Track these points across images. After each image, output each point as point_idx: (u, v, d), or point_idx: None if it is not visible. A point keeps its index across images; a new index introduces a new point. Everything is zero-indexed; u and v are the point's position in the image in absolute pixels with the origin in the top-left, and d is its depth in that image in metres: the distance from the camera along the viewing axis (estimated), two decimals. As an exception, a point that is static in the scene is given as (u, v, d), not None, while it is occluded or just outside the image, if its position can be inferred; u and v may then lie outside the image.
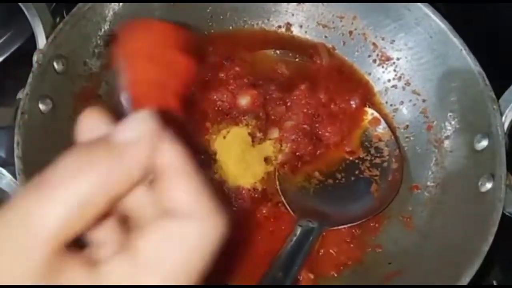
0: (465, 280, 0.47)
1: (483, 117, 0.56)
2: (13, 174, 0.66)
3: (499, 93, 0.56)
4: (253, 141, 0.62)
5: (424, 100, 0.65)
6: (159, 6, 0.65)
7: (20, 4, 0.55)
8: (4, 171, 0.67)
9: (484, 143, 0.55)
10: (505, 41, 0.65)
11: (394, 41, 0.66)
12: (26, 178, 0.49)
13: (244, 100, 0.65)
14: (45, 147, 0.53)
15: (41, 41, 0.56)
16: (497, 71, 0.57)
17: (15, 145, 0.50)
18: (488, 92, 0.56)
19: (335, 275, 0.57)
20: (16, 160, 0.49)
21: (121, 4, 0.61)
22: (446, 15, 0.62)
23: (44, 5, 0.57)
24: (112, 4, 0.60)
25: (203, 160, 0.61)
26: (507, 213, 0.51)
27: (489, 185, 0.53)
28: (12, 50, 0.70)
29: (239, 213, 0.59)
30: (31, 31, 0.58)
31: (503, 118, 0.55)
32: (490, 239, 0.49)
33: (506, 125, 0.55)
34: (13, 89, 0.69)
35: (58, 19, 0.59)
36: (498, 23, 0.66)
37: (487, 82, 0.56)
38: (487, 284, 0.64)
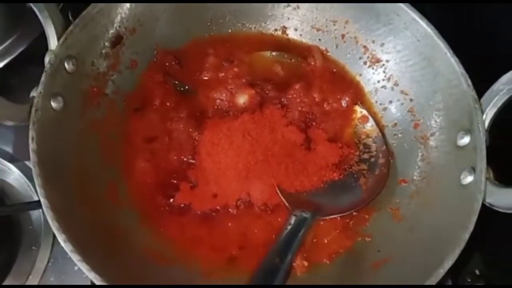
0: (448, 265, 0.50)
1: (466, 115, 0.59)
2: (21, 169, 0.69)
3: (480, 93, 0.58)
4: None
5: (411, 100, 0.67)
6: (163, 10, 0.68)
7: (33, 7, 0.57)
8: (12, 166, 0.69)
9: (466, 139, 0.58)
10: (487, 45, 0.67)
11: (383, 44, 0.69)
12: (40, 170, 0.51)
13: (242, 99, 0.67)
14: (56, 141, 0.55)
15: (53, 42, 0.58)
16: (479, 73, 0.59)
17: (30, 140, 0.52)
18: (471, 92, 0.58)
19: (328, 262, 0.60)
20: (31, 153, 0.51)
21: (126, 8, 0.64)
22: (433, 20, 0.64)
23: (55, 7, 0.59)
24: (119, 8, 0.63)
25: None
26: (487, 204, 0.54)
27: (470, 178, 0.56)
28: (20, 50, 0.71)
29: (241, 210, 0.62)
30: (39, 31, 0.60)
31: (484, 116, 0.57)
32: (471, 227, 0.52)
33: (486, 123, 0.57)
34: (21, 87, 0.71)
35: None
36: (482, 28, 0.69)
37: (470, 83, 0.59)
38: (469, 271, 0.67)
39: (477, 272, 0.67)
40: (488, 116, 0.58)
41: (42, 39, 0.60)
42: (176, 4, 0.68)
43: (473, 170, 0.56)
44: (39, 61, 0.58)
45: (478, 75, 0.60)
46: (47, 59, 0.57)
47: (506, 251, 0.65)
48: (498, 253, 0.66)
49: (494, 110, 0.57)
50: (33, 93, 0.56)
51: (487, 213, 0.54)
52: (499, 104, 0.57)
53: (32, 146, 0.52)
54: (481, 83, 0.59)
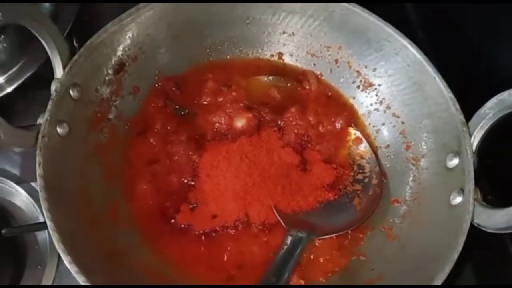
0: (438, 283, 0.52)
1: (454, 138, 0.61)
2: (28, 191, 0.71)
3: (468, 117, 0.60)
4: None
5: (403, 122, 0.69)
6: (163, 38, 0.70)
7: (39, 37, 0.60)
8: (19, 188, 0.71)
9: (455, 161, 0.60)
10: (474, 70, 0.69)
11: (375, 69, 0.71)
12: (47, 194, 0.53)
13: (240, 122, 0.69)
14: (62, 166, 0.58)
15: (58, 70, 0.61)
16: (467, 97, 0.61)
17: (37, 165, 0.54)
18: (459, 116, 0.60)
19: (324, 281, 0.61)
20: (38, 178, 0.53)
21: (128, 37, 0.66)
22: (426, 46, 0.66)
23: (61, 37, 0.62)
24: (121, 37, 0.66)
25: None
26: (475, 224, 0.56)
27: (459, 199, 0.57)
28: (28, 75, 0.74)
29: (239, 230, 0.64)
30: (46, 57, 0.62)
31: (472, 139, 0.59)
32: (459, 247, 0.53)
33: (474, 145, 0.59)
34: (28, 110, 0.73)
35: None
36: (471, 56, 0.70)
37: (458, 106, 0.61)
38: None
39: (469, 288, 0.68)
40: (475, 139, 0.60)
41: (48, 64, 0.62)
42: (175, 32, 0.71)
43: (461, 191, 0.57)
44: (45, 85, 0.60)
45: (466, 99, 0.62)
46: (53, 87, 0.59)
47: (497, 268, 0.66)
48: (490, 270, 0.68)
49: (482, 133, 0.59)
50: (40, 120, 0.58)
51: (479, 230, 0.55)
52: (486, 127, 0.59)
53: (39, 171, 0.54)
54: (469, 106, 0.61)
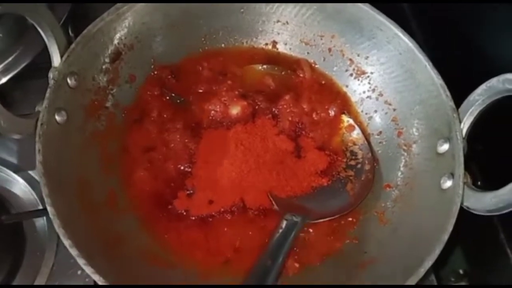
0: (428, 264, 0.53)
1: (445, 124, 0.62)
2: (26, 179, 0.71)
3: (458, 103, 0.61)
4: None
5: (394, 109, 0.70)
6: (159, 27, 0.71)
7: (37, 26, 0.60)
8: (16, 176, 0.72)
9: (446, 146, 0.61)
10: (464, 57, 0.71)
11: (368, 57, 0.72)
12: (47, 180, 0.54)
13: (235, 110, 0.70)
14: (60, 153, 0.58)
15: (56, 59, 0.61)
16: (457, 83, 0.62)
17: (36, 152, 0.55)
18: (449, 102, 0.61)
19: (318, 264, 0.63)
20: (38, 164, 0.54)
21: (125, 26, 0.67)
22: (418, 36, 0.67)
23: (58, 26, 0.62)
24: (118, 26, 0.66)
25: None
26: (465, 207, 0.57)
27: (449, 183, 0.58)
28: (23, 64, 0.74)
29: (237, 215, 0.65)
30: (42, 46, 0.63)
31: (462, 125, 0.60)
32: (450, 229, 0.54)
33: (464, 131, 0.60)
34: (25, 99, 0.74)
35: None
36: (461, 45, 0.72)
37: (448, 93, 0.62)
38: (453, 271, 0.70)
39: (460, 271, 0.70)
40: (465, 124, 0.61)
41: (44, 53, 0.62)
42: (171, 21, 0.71)
43: (452, 175, 0.59)
44: (41, 74, 0.61)
45: (456, 86, 0.63)
46: (51, 76, 0.60)
47: (487, 251, 0.68)
48: (480, 252, 0.69)
49: (471, 119, 0.60)
50: (38, 108, 0.59)
51: (470, 214, 0.56)
52: (476, 113, 0.60)
53: (38, 158, 0.55)
54: (459, 93, 0.62)
